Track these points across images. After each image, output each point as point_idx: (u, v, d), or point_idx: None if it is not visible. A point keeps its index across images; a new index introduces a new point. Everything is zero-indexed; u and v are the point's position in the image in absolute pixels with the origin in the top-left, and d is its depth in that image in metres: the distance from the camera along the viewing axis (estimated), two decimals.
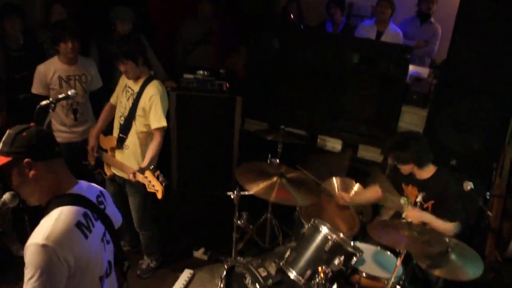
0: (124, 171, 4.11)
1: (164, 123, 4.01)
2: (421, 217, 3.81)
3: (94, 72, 4.76)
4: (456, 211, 3.81)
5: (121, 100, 4.18)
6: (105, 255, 2.26)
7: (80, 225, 2.06)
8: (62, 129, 4.63)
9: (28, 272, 1.94)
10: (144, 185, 3.79)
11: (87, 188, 2.29)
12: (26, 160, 2.06)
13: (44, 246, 1.92)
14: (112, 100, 4.35)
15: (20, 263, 2.02)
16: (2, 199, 2.43)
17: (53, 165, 2.15)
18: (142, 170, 3.76)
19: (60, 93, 4.34)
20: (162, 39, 6.74)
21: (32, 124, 2.17)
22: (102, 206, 2.31)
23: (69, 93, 3.91)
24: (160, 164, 4.14)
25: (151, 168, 3.70)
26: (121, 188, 4.36)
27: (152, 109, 3.98)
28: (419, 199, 3.91)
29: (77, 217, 2.07)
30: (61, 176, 2.18)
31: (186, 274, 4.71)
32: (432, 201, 3.92)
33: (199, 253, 5.02)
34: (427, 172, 3.93)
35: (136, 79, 4.05)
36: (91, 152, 4.35)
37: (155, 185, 3.63)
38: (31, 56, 4.93)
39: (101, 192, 2.38)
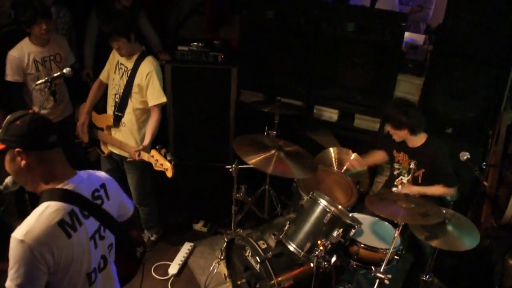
0: (125, 150, 4.12)
1: (163, 99, 4.01)
2: (419, 192, 3.87)
3: (67, 49, 4.65)
4: (449, 176, 3.87)
5: (113, 78, 4.15)
6: (96, 251, 2.24)
7: (63, 224, 2.03)
8: (42, 113, 4.47)
9: (10, 262, 1.97)
10: (143, 163, 3.80)
11: (86, 180, 2.24)
12: (17, 149, 2.04)
13: (22, 241, 1.92)
14: (102, 77, 4.30)
15: None
16: (4, 183, 2.45)
17: (47, 156, 2.11)
18: (145, 149, 3.79)
19: (37, 77, 4.28)
20: (155, 11, 6.66)
21: (30, 111, 2.13)
22: (98, 201, 2.26)
23: (65, 71, 3.87)
24: (157, 137, 4.14)
25: (157, 147, 3.70)
26: (118, 165, 4.38)
27: (150, 86, 3.96)
28: (412, 166, 3.94)
29: (61, 215, 2.04)
30: (56, 167, 2.14)
31: (186, 246, 4.77)
32: (423, 170, 3.98)
33: (198, 226, 5.08)
34: (419, 139, 3.99)
35: (129, 55, 4.01)
36: (81, 128, 4.32)
37: (163, 163, 3.64)
38: (23, 31, 4.86)
39: (102, 184, 2.32)
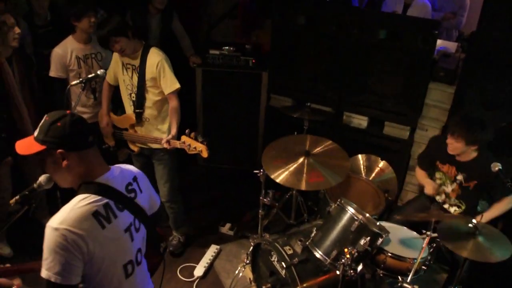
0: (155, 143, 4.16)
1: (177, 85, 4.04)
2: (486, 219, 3.83)
3: (107, 50, 4.75)
4: (507, 186, 3.80)
5: (124, 79, 4.17)
6: (133, 244, 2.28)
7: (97, 215, 2.08)
8: (83, 111, 4.62)
9: (44, 252, 2.00)
10: (173, 152, 3.82)
11: (119, 175, 2.29)
12: (59, 150, 2.09)
13: (56, 229, 1.96)
14: (109, 79, 4.32)
15: None
16: (38, 181, 2.49)
17: (86, 154, 2.17)
18: (174, 138, 3.88)
19: (79, 74, 4.42)
20: (187, 14, 6.71)
21: (68, 112, 2.17)
22: (132, 195, 2.31)
23: (98, 72, 3.92)
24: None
25: (186, 131, 3.75)
26: (148, 161, 4.42)
27: (162, 75, 4.00)
28: (459, 177, 3.94)
29: (96, 207, 2.08)
30: (93, 164, 2.20)
31: (212, 249, 4.80)
32: (475, 182, 3.94)
33: (225, 229, 5.10)
34: (471, 155, 3.94)
35: (133, 53, 4.03)
36: (107, 128, 4.38)
37: (196, 146, 3.69)
38: (58, 32, 4.95)
39: (134, 177, 2.38)
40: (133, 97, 4.15)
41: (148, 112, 4.16)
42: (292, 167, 4.02)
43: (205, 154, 3.69)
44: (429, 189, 4.18)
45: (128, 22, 5.29)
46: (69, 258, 1.99)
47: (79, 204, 2.06)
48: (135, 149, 4.38)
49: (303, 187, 3.90)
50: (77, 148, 2.13)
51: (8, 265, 2.53)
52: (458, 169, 4.00)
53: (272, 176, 3.94)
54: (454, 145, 3.88)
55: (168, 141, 3.87)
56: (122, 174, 2.32)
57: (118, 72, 4.21)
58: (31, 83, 4.74)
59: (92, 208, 2.07)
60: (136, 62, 4.04)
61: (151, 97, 4.11)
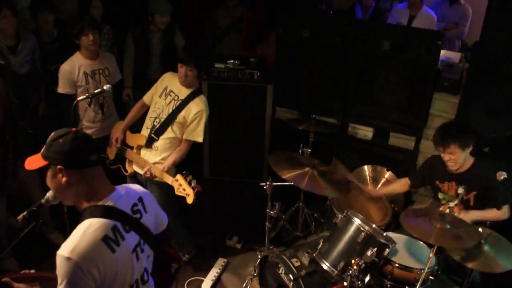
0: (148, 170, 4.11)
1: (196, 139, 4.08)
2: (472, 218, 3.81)
3: (114, 65, 4.81)
4: (504, 196, 3.79)
5: (157, 101, 4.17)
6: (139, 263, 2.29)
7: (107, 239, 2.09)
8: (90, 126, 4.66)
9: (58, 279, 2.03)
10: (167, 186, 3.84)
11: (125, 195, 2.30)
12: (58, 166, 2.11)
13: (68, 259, 1.98)
14: (146, 99, 4.32)
15: None
16: (45, 197, 2.53)
17: (87, 174, 2.17)
18: (168, 171, 3.90)
19: (87, 89, 4.44)
20: (191, 27, 6.76)
21: (73, 129, 2.20)
22: (137, 215, 2.31)
23: (105, 87, 3.98)
24: (192, 153, 4.19)
25: (183, 172, 3.73)
26: (143, 186, 4.37)
27: (195, 123, 4.02)
28: (460, 191, 3.91)
29: (105, 231, 2.09)
30: (96, 185, 2.20)
31: (220, 262, 4.79)
32: (474, 192, 3.92)
33: (232, 242, 5.10)
34: (468, 163, 3.92)
35: (187, 86, 4.06)
36: (115, 143, 4.36)
37: (186, 189, 3.66)
38: (65, 48, 5.01)
39: (140, 198, 2.38)
40: (157, 122, 4.13)
41: (161, 142, 4.13)
42: (297, 171, 4.04)
43: (189, 201, 3.64)
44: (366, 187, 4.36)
45: (130, 41, 5.38)
46: (82, 286, 2.02)
47: (88, 230, 2.07)
48: (129, 170, 4.34)
49: (303, 186, 3.94)
50: (76, 166, 2.14)
51: (32, 271, 2.54)
52: (458, 183, 3.97)
53: (277, 172, 3.97)
54: (453, 158, 3.84)
55: (149, 170, 3.87)
56: (128, 195, 2.33)
57: (155, 93, 4.22)
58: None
59: (101, 234, 2.08)
60: (182, 96, 4.06)
61: (171, 133, 4.09)
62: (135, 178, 4.37)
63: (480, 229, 3.41)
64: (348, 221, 3.57)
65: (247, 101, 5.73)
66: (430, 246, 3.46)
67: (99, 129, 4.72)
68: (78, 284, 2.01)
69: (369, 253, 3.36)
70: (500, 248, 3.38)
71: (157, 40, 5.56)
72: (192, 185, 3.65)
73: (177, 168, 4.11)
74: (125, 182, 3.68)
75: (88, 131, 4.61)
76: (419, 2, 6.32)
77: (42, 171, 2.19)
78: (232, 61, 5.64)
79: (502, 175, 3.55)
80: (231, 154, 6.01)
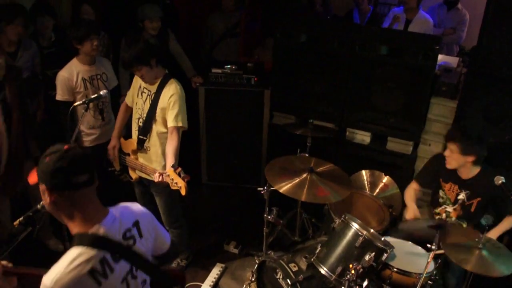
0: (148, 173, 4.13)
1: (180, 124, 3.94)
2: (496, 236, 3.81)
3: (111, 71, 4.80)
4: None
5: (137, 102, 4.15)
6: None
7: (93, 273, 2.01)
8: (91, 132, 4.66)
9: None
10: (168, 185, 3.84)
11: (118, 220, 2.19)
12: (42, 186, 2.05)
13: None
14: (127, 100, 4.31)
15: (57, 259, 2.04)
16: (41, 203, 2.45)
17: (74, 196, 2.04)
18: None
19: (86, 95, 4.43)
20: (188, 32, 6.78)
21: (66, 147, 2.06)
22: (130, 242, 2.20)
23: (101, 93, 3.95)
24: (190, 158, 4.18)
25: (172, 165, 3.66)
26: (148, 190, 4.38)
27: (171, 108, 3.92)
28: (460, 197, 3.91)
29: (91, 264, 2.01)
30: (85, 209, 2.09)
31: (217, 268, 4.78)
32: (479, 199, 3.91)
33: (230, 247, 5.08)
34: (474, 170, 3.90)
35: (153, 80, 4.01)
36: (113, 151, 4.33)
37: (177, 182, 3.61)
38: (62, 52, 5.02)
39: (135, 222, 2.27)
40: (140, 122, 4.11)
41: (151, 141, 4.11)
42: (295, 180, 4.00)
43: (183, 192, 3.55)
44: (409, 214, 4.11)
45: (124, 48, 5.36)
46: None
47: (75, 262, 1.99)
48: (134, 176, 4.34)
49: (303, 197, 3.87)
50: (58, 188, 2.02)
51: (10, 265, 2.40)
52: (460, 187, 3.96)
53: (275, 186, 3.92)
54: (451, 157, 3.84)
55: (161, 175, 3.75)
56: (122, 219, 2.22)
57: (134, 93, 4.20)
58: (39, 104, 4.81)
59: (88, 267, 2.00)
60: (153, 89, 4.01)
61: (158, 127, 4.05)
62: (140, 183, 4.38)
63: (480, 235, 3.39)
64: (346, 226, 3.57)
65: (245, 106, 5.74)
66: (428, 250, 3.45)
67: (100, 135, 4.71)
68: None
69: (367, 257, 3.36)
70: (498, 254, 3.37)
71: None
72: (182, 176, 3.59)
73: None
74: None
75: (89, 138, 4.64)
76: (415, 7, 6.33)
77: None
78: (229, 66, 5.66)
79: (500, 180, 3.55)
80: (229, 159, 6.01)
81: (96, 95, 3.95)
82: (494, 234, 3.84)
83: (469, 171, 3.90)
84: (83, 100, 3.91)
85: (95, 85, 4.56)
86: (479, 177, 3.89)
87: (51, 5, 5.21)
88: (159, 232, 2.44)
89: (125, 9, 5.95)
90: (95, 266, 2.02)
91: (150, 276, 2.35)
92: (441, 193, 4.12)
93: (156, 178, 3.67)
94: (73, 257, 2.00)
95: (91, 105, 4.19)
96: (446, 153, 3.88)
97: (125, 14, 5.89)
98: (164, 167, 4.03)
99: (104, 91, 4.00)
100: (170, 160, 3.83)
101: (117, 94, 5.14)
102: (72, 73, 4.43)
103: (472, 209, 3.95)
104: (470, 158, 3.80)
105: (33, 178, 2.13)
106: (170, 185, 3.63)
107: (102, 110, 4.67)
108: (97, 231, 2.08)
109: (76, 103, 3.88)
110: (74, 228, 2.09)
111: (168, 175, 3.60)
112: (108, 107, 4.75)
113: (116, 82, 4.89)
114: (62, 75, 4.42)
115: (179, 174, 3.58)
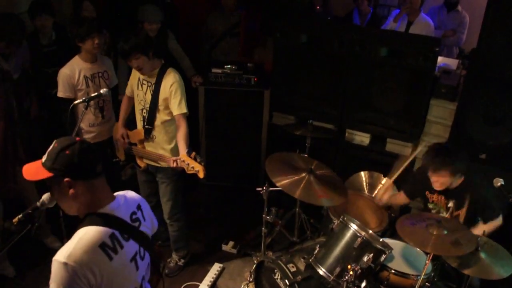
0: (159, 160, 4.20)
1: (184, 110, 4.05)
2: (480, 233, 3.78)
3: (112, 69, 4.81)
4: (495, 208, 3.79)
5: (138, 94, 4.21)
6: (138, 272, 2.28)
7: (104, 246, 2.07)
8: (90, 130, 4.66)
9: (51, 284, 2.00)
10: (176, 172, 3.84)
11: (124, 203, 2.29)
12: (66, 179, 2.08)
13: (65, 264, 1.96)
14: (128, 92, 4.39)
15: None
16: (41, 200, 2.48)
17: (93, 184, 2.15)
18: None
19: (87, 93, 4.43)
20: (187, 32, 6.77)
21: (77, 139, 2.16)
22: (136, 224, 2.30)
23: (102, 91, 3.95)
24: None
25: (186, 151, 3.78)
26: (153, 178, 4.43)
27: (173, 96, 4.01)
28: (450, 205, 3.89)
29: (102, 238, 2.08)
30: (99, 194, 2.18)
31: (215, 267, 4.78)
32: (464, 209, 3.88)
33: (228, 247, 5.08)
34: (457, 181, 3.88)
35: (150, 71, 4.06)
36: (121, 140, 4.38)
37: (194, 166, 3.69)
38: (63, 51, 5.01)
39: (138, 206, 2.37)
40: (145, 112, 4.18)
41: (157, 130, 4.19)
42: (293, 178, 4.01)
43: (201, 175, 3.68)
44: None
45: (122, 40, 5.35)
46: None
47: (86, 236, 2.05)
48: (142, 165, 4.39)
49: (297, 195, 3.89)
50: (84, 178, 2.12)
51: None
52: (447, 197, 3.95)
53: (272, 179, 3.94)
54: (441, 181, 3.80)
55: (176, 161, 3.85)
56: (127, 203, 2.31)
57: (133, 85, 4.25)
58: (22, 104, 4.80)
59: (99, 240, 2.06)
60: (153, 80, 4.08)
61: (161, 116, 4.13)
62: (147, 171, 4.42)
63: (477, 237, 3.40)
64: (344, 227, 3.57)
65: (244, 106, 5.73)
66: (427, 252, 3.45)
67: (99, 133, 4.71)
68: None
69: (365, 258, 3.36)
70: (497, 256, 3.38)
71: None
72: (198, 160, 3.69)
73: None
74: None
75: (88, 135, 4.64)
76: (417, 9, 6.33)
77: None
78: (229, 66, 5.65)
79: (499, 182, 3.55)
80: (228, 159, 6.00)
81: (96, 93, 3.95)
82: (480, 230, 3.83)
83: (452, 183, 3.86)
84: (83, 98, 3.91)
85: (97, 82, 4.56)
86: (464, 185, 3.86)
87: (51, 3, 5.18)
88: (152, 216, 2.54)
89: (126, 8, 5.93)
90: (105, 240, 2.09)
91: (151, 255, 2.41)
92: (430, 205, 4.11)
93: (171, 163, 3.82)
94: (83, 234, 2.07)
95: (91, 103, 4.23)
96: (434, 178, 3.82)
97: (126, 12, 5.87)
98: (171, 151, 4.17)
99: (105, 89, 4.00)
100: (182, 146, 3.95)
101: (117, 92, 5.14)
102: (74, 71, 4.44)
103: (461, 219, 3.91)
104: (459, 174, 3.81)
105: (33, 174, 2.14)
106: (186, 170, 3.74)
107: (103, 108, 4.67)
108: (106, 211, 2.18)
109: (77, 101, 3.88)
110: (85, 212, 2.17)
111: (184, 161, 3.72)
112: (109, 105, 4.75)
113: (117, 81, 4.90)
114: (64, 72, 4.42)
115: (195, 158, 3.68)
